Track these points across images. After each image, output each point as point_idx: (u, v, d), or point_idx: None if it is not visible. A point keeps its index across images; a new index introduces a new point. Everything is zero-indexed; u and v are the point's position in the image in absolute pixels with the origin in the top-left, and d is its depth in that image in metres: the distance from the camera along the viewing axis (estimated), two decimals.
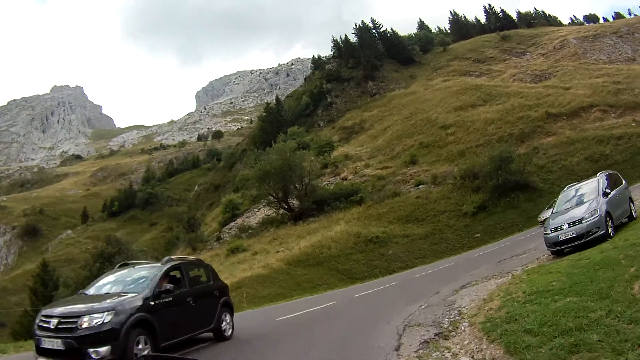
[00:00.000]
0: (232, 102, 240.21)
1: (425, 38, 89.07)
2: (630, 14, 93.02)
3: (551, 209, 24.51)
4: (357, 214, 36.94)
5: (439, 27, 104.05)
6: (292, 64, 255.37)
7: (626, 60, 60.71)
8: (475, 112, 50.76)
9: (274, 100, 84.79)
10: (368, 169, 46.91)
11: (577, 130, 41.11)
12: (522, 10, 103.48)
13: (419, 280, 18.72)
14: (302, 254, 30.69)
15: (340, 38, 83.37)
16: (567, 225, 12.15)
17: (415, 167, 44.06)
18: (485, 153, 38.22)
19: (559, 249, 12.48)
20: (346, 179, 45.69)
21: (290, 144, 47.22)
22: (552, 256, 12.87)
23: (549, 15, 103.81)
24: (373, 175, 44.93)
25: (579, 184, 14.63)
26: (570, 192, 14.38)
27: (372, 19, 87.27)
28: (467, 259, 23.68)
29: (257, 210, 48.22)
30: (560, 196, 14.74)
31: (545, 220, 24.46)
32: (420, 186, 39.25)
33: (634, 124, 39.07)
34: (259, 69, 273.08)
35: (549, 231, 12.70)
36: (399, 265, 28.78)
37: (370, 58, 75.41)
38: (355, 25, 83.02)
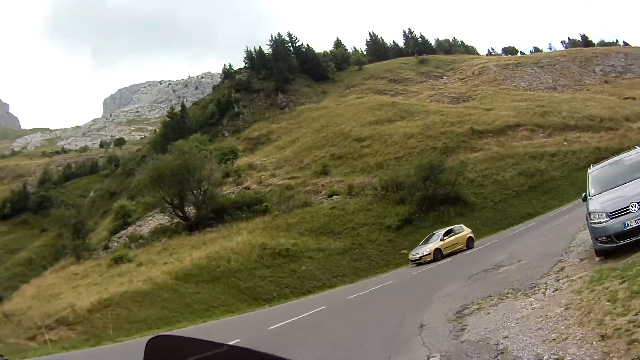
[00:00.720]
0: (138, 111, 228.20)
1: (341, 56, 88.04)
2: (550, 48, 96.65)
3: (428, 244, 22.42)
4: (262, 223, 31.97)
5: (355, 48, 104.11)
6: (202, 77, 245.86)
7: (547, 88, 61.99)
8: (393, 126, 48.78)
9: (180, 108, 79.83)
10: (274, 179, 42.56)
11: (505, 146, 39.50)
12: (441, 38, 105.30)
13: (359, 303, 13.82)
14: (195, 266, 25.00)
15: (254, 49, 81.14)
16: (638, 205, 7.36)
17: (327, 177, 40.12)
18: (408, 164, 35.33)
19: (627, 242, 7.44)
20: (249, 189, 40.72)
21: (191, 142, 41.36)
22: (597, 259, 8.06)
23: (468, 45, 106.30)
24: (280, 184, 40.46)
25: (624, 155, 9.78)
26: (614, 166, 9.47)
27: (288, 32, 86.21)
28: (404, 276, 19.20)
29: (150, 218, 42.73)
30: (593, 174, 9.57)
31: (421, 256, 21.68)
32: (334, 197, 35.03)
33: (565, 143, 38.67)
34: (169, 80, 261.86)
35: (604, 218, 7.68)
36: (314, 284, 23.94)
37: (283, 70, 73.02)
38: (271, 37, 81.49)
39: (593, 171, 9.82)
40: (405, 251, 26.26)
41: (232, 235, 29.91)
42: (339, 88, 75.26)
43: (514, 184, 32.73)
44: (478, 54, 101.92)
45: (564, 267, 8.75)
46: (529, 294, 7.47)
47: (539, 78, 66.03)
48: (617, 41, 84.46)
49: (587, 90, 58.92)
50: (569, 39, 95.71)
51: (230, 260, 25.15)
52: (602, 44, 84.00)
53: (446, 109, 54.15)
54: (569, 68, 68.01)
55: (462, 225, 24.80)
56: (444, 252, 22.18)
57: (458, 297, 9.32)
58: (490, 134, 42.56)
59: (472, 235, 23.94)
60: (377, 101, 59.93)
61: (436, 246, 22.28)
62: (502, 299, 7.78)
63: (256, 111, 69.61)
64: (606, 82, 61.88)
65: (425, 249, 22.54)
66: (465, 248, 22.95)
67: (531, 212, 29.78)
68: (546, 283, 7.84)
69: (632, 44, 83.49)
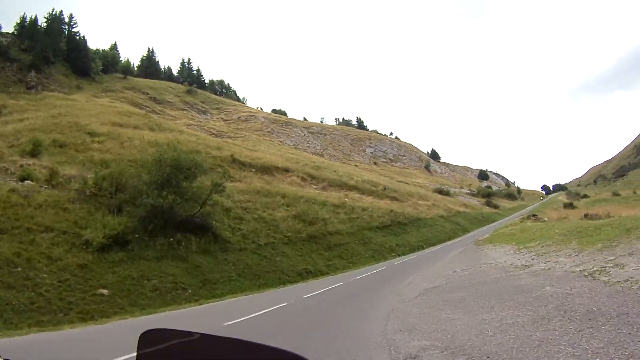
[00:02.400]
0: None
1: (111, 58, 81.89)
2: (322, 121, 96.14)
3: None
4: None
5: (128, 58, 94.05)
6: None
7: (314, 153, 58.68)
8: (138, 132, 38.64)
9: None
10: None
11: (272, 185, 30.87)
12: (215, 79, 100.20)
13: None
14: None
15: (30, 18, 69.66)
16: None
17: (34, 159, 25.46)
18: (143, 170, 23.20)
19: None
20: None
21: None
22: None
23: (240, 96, 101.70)
24: None
25: None
26: None
27: (70, 15, 76.29)
28: None
29: None
30: None
31: None
32: (25, 181, 20.50)
33: (347, 200, 35.68)
34: None
35: None
36: None
37: (47, 49, 64.47)
38: (51, 12, 72.34)
39: None
40: (104, 291, 13.76)
41: None
42: (95, 88, 67.12)
43: (287, 227, 23.91)
44: (243, 103, 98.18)
45: None
46: None
47: (308, 141, 63.23)
48: (392, 133, 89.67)
49: (356, 165, 57.19)
50: (343, 118, 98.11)
51: None
52: (376, 132, 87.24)
53: (204, 136, 46.76)
54: (340, 142, 68.32)
55: None
56: None
57: None
58: (254, 170, 34.72)
59: None
60: (129, 110, 50.80)
61: None
62: None
63: (1, 81, 57.28)
64: (375, 163, 63.25)
65: None
66: None
67: (311, 268, 20.99)
68: None
69: (402, 139, 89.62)
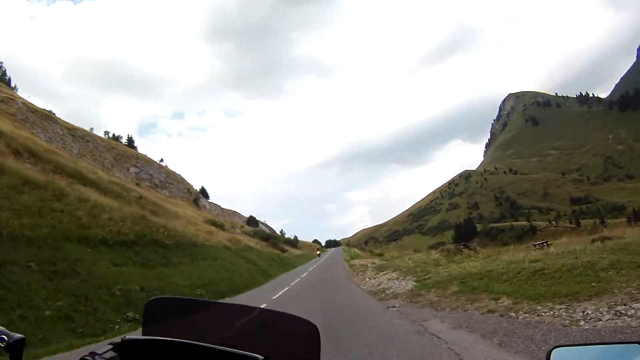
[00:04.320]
0: None
1: None
2: (91, 129, 79.67)
3: None
4: None
5: None
6: None
7: (71, 155, 46.12)
8: None
9: None
10: None
11: None
12: None
13: None
14: None
15: None
16: None
17: None
18: None
19: None
20: None
21: None
22: None
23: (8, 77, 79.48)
24: None
25: None
26: None
27: None
28: None
29: None
30: None
31: None
32: None
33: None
34: None
35: None
36: None
37: None
38: None
39: None
40: None
41: None
42: None
43: None
44: (11, 87, 77.12)
45: None
46: None
47: (65, 141, 50.73)
48: (162, 160, 78.23)
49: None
50: (114, 134, 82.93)
51: None
52: (146, 156, 74.99)
53: None
54: (103, 153, 57.27)
55: None
56: None
57: None
58: None
59: None
60: None
61: None
62: None
63: None
64: (138, 184, 52.86)
65: None
66: None
67: None
68: None
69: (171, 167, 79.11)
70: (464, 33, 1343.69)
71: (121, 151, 62.47)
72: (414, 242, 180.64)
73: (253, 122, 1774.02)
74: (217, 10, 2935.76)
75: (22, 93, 75.44)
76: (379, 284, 18.79)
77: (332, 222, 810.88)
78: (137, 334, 1.47)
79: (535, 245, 22.99)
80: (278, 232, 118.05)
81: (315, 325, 1.46)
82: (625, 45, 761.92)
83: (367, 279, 22.42)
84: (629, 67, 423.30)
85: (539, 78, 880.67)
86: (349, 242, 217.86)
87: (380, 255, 49.04)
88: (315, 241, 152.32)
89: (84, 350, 6.41)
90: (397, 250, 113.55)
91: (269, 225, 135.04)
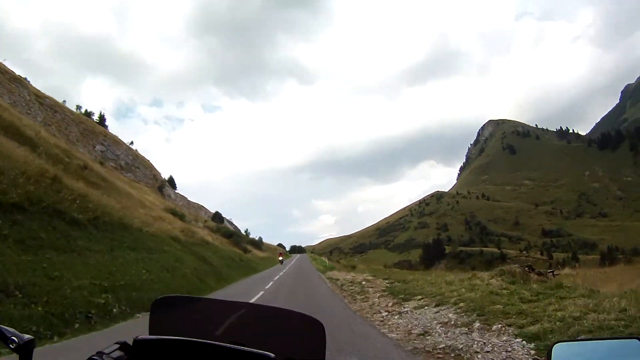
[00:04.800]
0: None
1: None
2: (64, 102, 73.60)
3: None
4: None
5: None
6: None
7: (28, 115, 41.17)
8: None
9: None
10: None
11: None
12: None
13: None
14: None
15: None
16: None
17: None
18: None
19: None
20: None
21: None
22: None
23: None
24: None
25: None
26: None
27: None
28: None
29: None
30: None
31: None
32: None
33: None
34: None
35: None
36: None
37: None
38: None
39: None
40: None
41: None
42: None
43: None
44: None
45: None
46: None
47: (30, 108, 45.80)
48: (132, 143, 73.17)
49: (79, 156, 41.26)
50: (86, 110, 76.67)
51: None
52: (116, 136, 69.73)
53: None
54: (70, 126, 52.75)
55: None
56: None
57: None
58: None
59: None
60: None
61: None
62: None
63: None
64: (101, 163, 48.11)
65: None
66: None
67: None
68: None
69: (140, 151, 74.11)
70: (448, 56, 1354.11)
71: (89, 127, 58.13)
72: (380, 257, 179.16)
73: (230, 120, 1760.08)
74: (206, 2, 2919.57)
75: None
76: (427, 333, 8.73)
77: (297, 228, 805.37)
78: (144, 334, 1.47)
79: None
80: (243, 232, 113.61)
81: (322, 323, 1.49)
82: (609, 86, 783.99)
83: (386, 314, 11.54)
84: (610, 108, 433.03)
85: (519, 108, 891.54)
86: (313, 250, 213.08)
87: (353, 267, 44.13)
88: (280, 245, 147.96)
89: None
90: (363, 263, 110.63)
91: (234, 223, 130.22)
